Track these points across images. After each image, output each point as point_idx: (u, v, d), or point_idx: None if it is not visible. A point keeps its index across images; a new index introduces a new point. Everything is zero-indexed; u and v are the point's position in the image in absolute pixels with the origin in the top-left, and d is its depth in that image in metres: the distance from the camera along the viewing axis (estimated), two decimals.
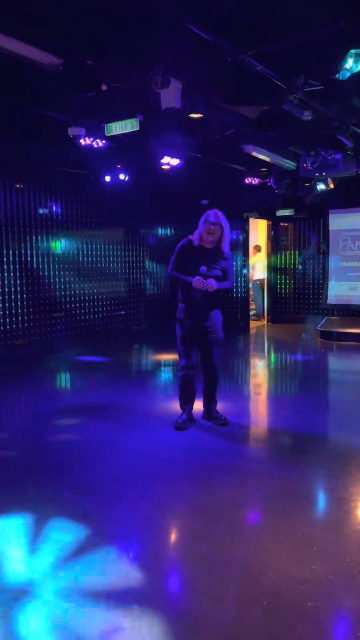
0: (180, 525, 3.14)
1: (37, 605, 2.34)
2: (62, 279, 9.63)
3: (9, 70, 4.99)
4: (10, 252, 8.70)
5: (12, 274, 8.74)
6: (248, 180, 9.61)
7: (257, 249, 12.57)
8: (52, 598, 2.39)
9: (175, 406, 4.98)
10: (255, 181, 9.66)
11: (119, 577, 2.53)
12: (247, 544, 2.84)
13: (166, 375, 7.39)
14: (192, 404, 4.86)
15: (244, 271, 11.52)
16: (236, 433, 4.70)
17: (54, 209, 9.44)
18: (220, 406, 4.99)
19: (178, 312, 4.71)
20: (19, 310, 8.88)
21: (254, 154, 7.58)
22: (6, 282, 8.65)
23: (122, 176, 9.12)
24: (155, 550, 2.79)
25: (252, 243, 12.10)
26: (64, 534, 2.94)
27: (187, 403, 4.81)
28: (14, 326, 8.80)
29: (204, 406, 4.93)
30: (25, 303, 8.97)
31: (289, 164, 8.74)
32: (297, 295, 12.08)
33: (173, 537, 3.02)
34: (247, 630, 2.16)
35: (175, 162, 7.90)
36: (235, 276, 11.07)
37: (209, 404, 4.89)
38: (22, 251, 8.90)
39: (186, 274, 4.51)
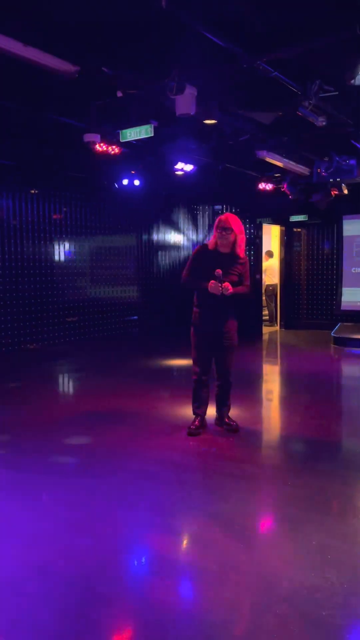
0: (193, 532, 3.12)
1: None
2: (75, 284, 9.69)
3: (26, 77, 5.06)
4: (25, 256, 8.79)
5: (25, 279, 8.82)
6: (262, 186, 9.61)
7: (269, 254, 12.53)
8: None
9: (188, 411, 4.97)
10: (269, 187, 9.65)
11: (130, 583, 2.53)
12: (260, 551, 2.82)
13: (179, 380, 7.38)
14: (205, 410, 4.84)
15: (257, 276, 11.49)
16: (249, 439, 4.68)
17: (67, 214, 9.51)
18: (233, 412, 4.97)
19: (193, 317, 4.70)
20: (32, 315, 8.95)
21: (268, 159, 7.58)
22: (20, 286, 8.73)
23: (136, 182, 9.16)
24: (167, 556, 2.78)
25: (264, 248, 12.08)
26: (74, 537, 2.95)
27: (200, 408, 4.80)
28: (27, 330, 8.87)
29: (217, 412, 4.92)
30: (39, 307, 9.04)
31: (303, 170, 8.72)
32: (310, 301, 12.02)
33: (186, 543, 3.01)
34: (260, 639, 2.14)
35: (189, 167, 7.93)
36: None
37: (222, 409, 4.87)
38: (36, 256, 8.98)
39: (202, 279, 4.51)
